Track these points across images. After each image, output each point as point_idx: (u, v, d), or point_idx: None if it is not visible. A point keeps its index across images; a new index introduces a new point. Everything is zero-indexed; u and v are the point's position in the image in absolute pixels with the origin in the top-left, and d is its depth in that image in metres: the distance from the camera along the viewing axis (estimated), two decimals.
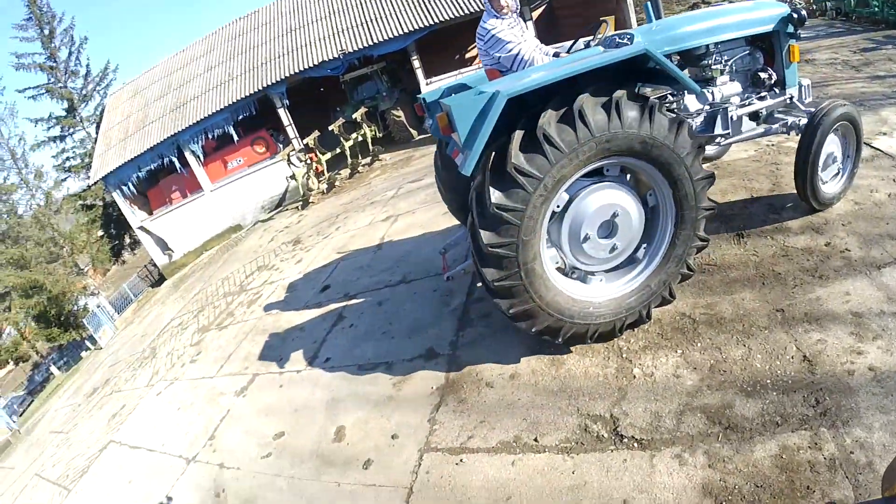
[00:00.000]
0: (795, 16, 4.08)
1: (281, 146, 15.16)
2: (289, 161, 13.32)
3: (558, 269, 3.49)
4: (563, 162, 2.94)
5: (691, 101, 4.15)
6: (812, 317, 3.28)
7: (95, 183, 15.68)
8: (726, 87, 4.24)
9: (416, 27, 13.87)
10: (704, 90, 4.13)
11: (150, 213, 15.95)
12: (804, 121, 4.14)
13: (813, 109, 4.14)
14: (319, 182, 13.65)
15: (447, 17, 13.87)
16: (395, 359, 4.54)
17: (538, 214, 3.04)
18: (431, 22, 13.92)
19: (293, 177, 13.43)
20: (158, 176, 15.52)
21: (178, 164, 14.48)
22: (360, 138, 14.32)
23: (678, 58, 4.16)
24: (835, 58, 9.19)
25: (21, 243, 20.48)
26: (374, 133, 15.00)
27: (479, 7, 14.17)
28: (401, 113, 14.90)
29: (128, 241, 22.30)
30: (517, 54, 3.65)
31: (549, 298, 3.25)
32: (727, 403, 2.91)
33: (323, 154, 13.63)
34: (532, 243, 3.09)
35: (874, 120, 5.80)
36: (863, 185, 4.48)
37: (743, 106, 4.31)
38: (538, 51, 3.86)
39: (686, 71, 4.22)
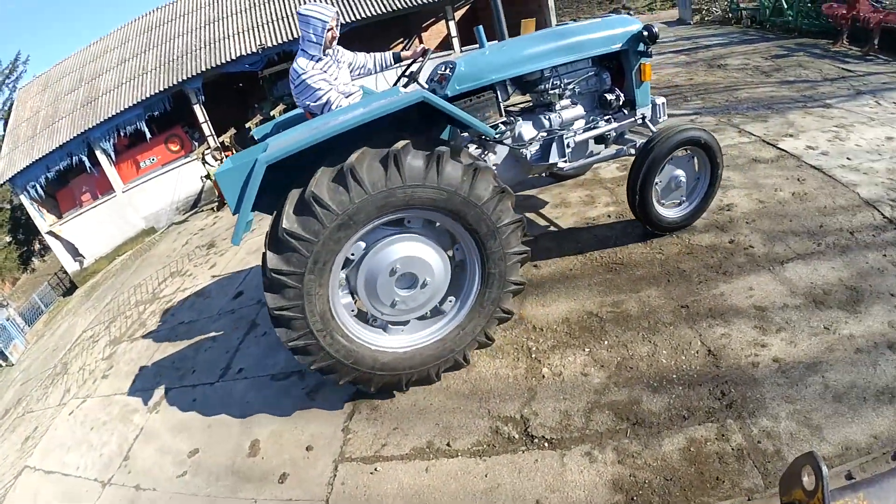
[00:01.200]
0: (646, 33, 3.92)
1: (196, 144, 14.48)
2: (203, 160, 12.71)
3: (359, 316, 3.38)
4: (337, 223, 2.76)
5: (527, 129, 4.04)
6: (716, 312, 3.41)
7: (2, 185, 14.46)
8: (567, 112, 4.11)
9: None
10: (542, 116, 4.07)
11: (60, 217, 14.87)
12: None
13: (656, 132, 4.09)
14: None
15: (367, 14, 13.74)
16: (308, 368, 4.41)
17: (320, 275, 2.87)
18: (351, 19, 13.72)
19: (208, 176, 12.77)
20: (68, 176, 14.48)
21: (88, 164, 13.53)
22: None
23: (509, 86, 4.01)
24: (746, 63, 9.66)
25: None
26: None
27: (404, 3, 14.14)
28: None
29: (37, 246, 20.77)
30: (326, 103, 3.47)
31: (346, 352, 3.13)
32: (634, 399, 2.97)
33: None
34: (318, 302, 2.93)
35: (781, 122, 6.16)
36: (767, 185, 4.73)
37: (587, 129, 4.15)
38: (345, 96, 3.62)
39: (530, 96, 4.29)
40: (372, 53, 4.03)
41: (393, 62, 4.09)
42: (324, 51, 3.51)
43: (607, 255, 4.17)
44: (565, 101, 4.13)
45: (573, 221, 4.95)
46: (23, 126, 14.88)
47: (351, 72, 3.88)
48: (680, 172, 4.07)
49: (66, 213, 14.84)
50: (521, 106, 4.55)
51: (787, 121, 6.19)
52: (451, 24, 15.62)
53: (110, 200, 14.25)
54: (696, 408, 2.82)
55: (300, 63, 3.46)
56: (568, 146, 4.06)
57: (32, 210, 14.06)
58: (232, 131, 13.22)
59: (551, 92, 4.03)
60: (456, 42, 15.57)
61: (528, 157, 4.04)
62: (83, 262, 14.69)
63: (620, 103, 4.17)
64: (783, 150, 5.39)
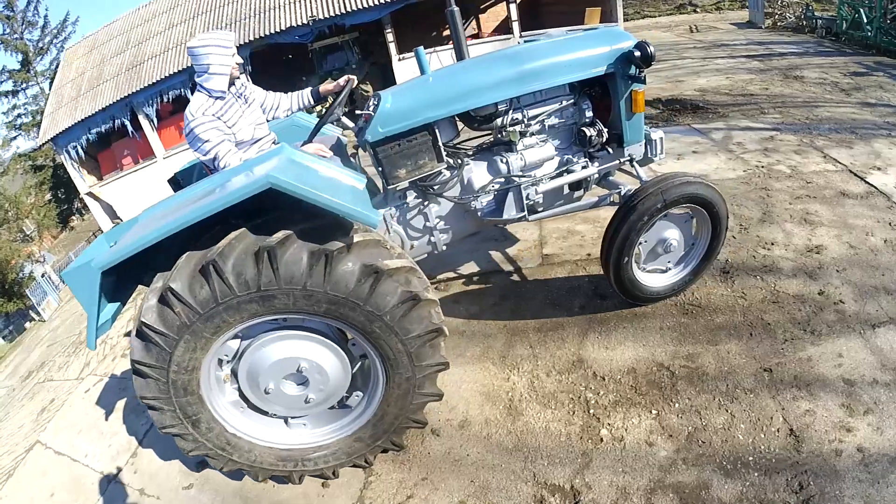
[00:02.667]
0: (638, 53, 3.06)
1: None
2: None
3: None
4: (200, 322, 2.31)
5: (477, 175, 3.33)
6: (802, 381, 2.92)
7: (45, 144, 14.57)
8: (532, 153, 3.33)
9: None
10: (499, 158, 3.33)
11: (100, 179, 14.95)
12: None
13: (646, 179, 3.29)
14: None
15: None
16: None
17: (188, 372, 2.45)
18: None
19: None
20: (111, 139, 14.51)
21: (130, 128, 13.53)
22: (323, 111, 13.42)
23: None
24: (824, 78, 8.92)
25: None
26: None
27: None
28: (369, 88, 14.16)
29: (77, 205, 21.09)
30: (214, 158, 2.84)
31: (226, 443, 2.73)
32: (704, 483, 2.52)
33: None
34: (191, 401, 2.54)
35: (867, 151, 5.51)
36: (858, 226, 4.16)
37: (557, 175, 3.42)
38: (251, 142, 3.07)
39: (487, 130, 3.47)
40: (290, 93, 3.42)
41: (312, 101, 3.43)
42: (227, 87, 2.94)
43: (684, 294, 3.68)
44: (531, 140, 3.37)
45: None
46: (67, 87, 14.95)
47: (264, 112, 3.30)
48: (673, 234, 3.33)
49: (106, 176, 14.91)
50: (477, 142, 3.64)
51: (873, 150, 5.56)
52: (513, 6, 14.91)
53: (151, 166, 14.26)
54: (770, 501, 2.39)
55: (193, 105, 2.85)
56: (528, 198, 3.33)
57: (73, 170, 14.15)
58: None
59: (510, 129, 3.24)
60: (516, 26, 14.88)
61: (478, 209, 3.37)
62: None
63: (604, 140, 3.36)
64: (872, 185, 4.80)
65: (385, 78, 14.19)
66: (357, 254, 2.35)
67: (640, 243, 3.27)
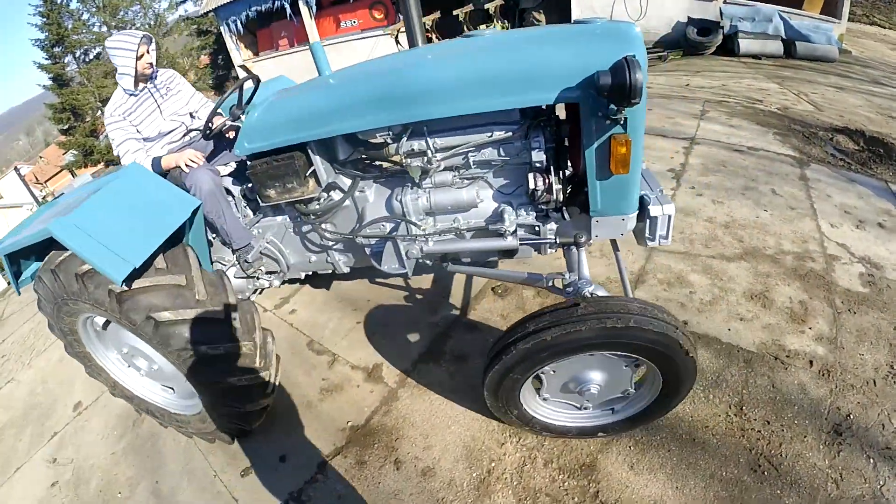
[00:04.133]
0: (609, 80, 1.76)
1: (400, 18, 13.57)
2: (397, 39, 11.79)
3: None
4: (60, 302, 2.71)
5: (372, 208, 2.72)
6: None
7: (207, 13, 15.21)
8: (441, 196, 2.51)
9: None
10: (394, 193, 2.61)
11: (256, 55, 15.49)
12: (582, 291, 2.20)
13: (587, 287, 2.19)
14: None
15: None
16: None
17: (71, 332, 3.01)
18: None
19: None
20: (271, 18, 14.78)
21: (289, 11, 13.60)
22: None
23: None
24: None
25: None
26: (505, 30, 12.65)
27: None
28: (543, 19, 12.66)
29: (233, 74, 22.33)
30: (120, 155, 3.02)
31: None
32: None
33: (440, 40, 12.00)
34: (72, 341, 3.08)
35: None
36: None
37: (462, 235, 2.61)
38: (162, 134, 3.16)
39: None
40: (206, 106, 3.40)
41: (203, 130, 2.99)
42: (136, 83, 3.01)
43: (764, 431, 2.59)
44: (443, 176, 2.50)
45: (758, 337, 3.13)
46: None
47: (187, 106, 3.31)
48: (597, 377, 2.25)
49: (262, 53, 15.38)
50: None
51: None
52: None
53: (305, 51, 14.37)
54: None
55: (109, 104, 3.04)
56: (408, 255, 2.59)
57: (230, 42, 14.72)
58: (436, 15, 11.98)
59: (406, 162, 2.45)
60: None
61: (365, 247, 2.82)
62: None
63: (555, 198, 2.31)
64: None
65: (561, 9, 12.54)
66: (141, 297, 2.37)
67: (545, 372, 2.25)
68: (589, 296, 2.11)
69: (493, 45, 2.22)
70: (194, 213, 2.68)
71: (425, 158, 2.41)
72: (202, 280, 2.51)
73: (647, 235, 2.31)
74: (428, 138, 2.36)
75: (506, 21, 12.43)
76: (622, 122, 1.89)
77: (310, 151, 2.50)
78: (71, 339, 3.06)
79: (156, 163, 2.97)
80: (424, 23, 11.98)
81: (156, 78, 3.15)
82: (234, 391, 2.61)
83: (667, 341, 1.89)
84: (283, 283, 3.38)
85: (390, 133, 2.39)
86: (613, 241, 2.56)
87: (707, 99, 7.24)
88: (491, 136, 2.31)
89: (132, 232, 2.37)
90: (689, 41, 10.41)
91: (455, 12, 11.75)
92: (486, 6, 11.80)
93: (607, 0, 11.11)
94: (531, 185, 2.27)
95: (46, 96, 20.44)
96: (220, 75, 22.04)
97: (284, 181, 2.53)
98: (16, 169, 29.98)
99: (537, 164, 2.27)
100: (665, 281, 3.54)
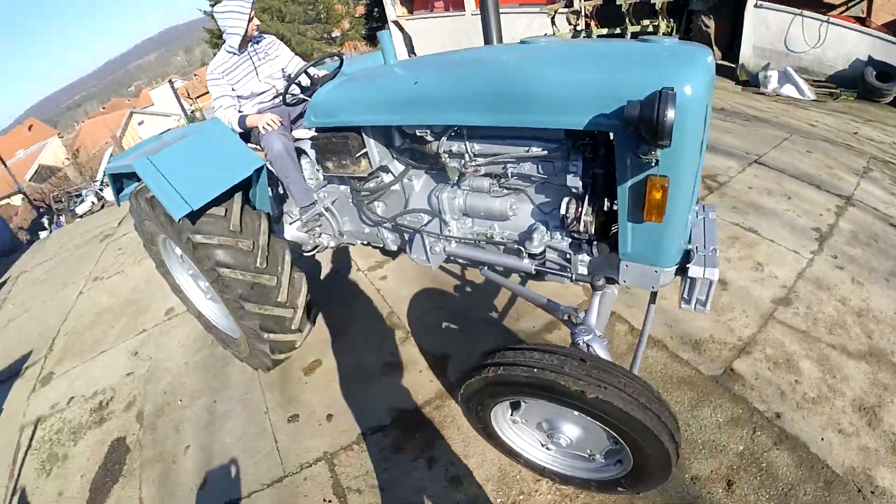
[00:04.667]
0: (637, 113, 1.49)
1: None
2: (553, 19, 11.29)
3: None
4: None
5: (416, 197, 2.80)
6: None
7: None
8: (475, 200, 2.50)
9: None
10: (434, 188, 2.69)
11: (410, 12, 15.73)
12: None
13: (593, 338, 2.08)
14: None
15: None
16: None
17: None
18: None
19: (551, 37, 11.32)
20: None
21: None
22: (649, 28, 11.04)
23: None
24: None
25: None
26: (668, 31, 11.08)
27: None
28: (712, 25, 11.43)
29: (386, 27, 22.80)
30: (215, 109, 3.34)
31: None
32: None
33: (598, 28, 11.36)
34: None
35: None
36: None
37: (484, 241, 2.57)
38: (255, 94, 3.42)
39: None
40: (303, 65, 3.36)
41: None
42: (243, 44, 3.29)
43: None
44: (480, 182, 2.44)
45: (850, 459, 2.83)
46: None
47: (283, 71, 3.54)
48: (572, 432, 2.10)
49: (416, 11, 15.59)
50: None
51: None
52: None
53: (458, 17, 14.38)
54: None
55: (213, 61, 3.34)
56: (433, 250, 2.70)
57: None
58: (598, 1, 11.36)
59: (445, 159, 2.42)
60: None
61: (391, 236, 3.14)
62: None
63: (584, 230, 2.09)
64: None
65: (733, 18, 11.29)
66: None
67: (520, 405, 2.20)
68: (581, 345, 2.07)
69: (537, 56, 2.11)
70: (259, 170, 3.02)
71: (462, 161, 2.41)
72: (240, 215, 2.89)
73: (683, 296, 2.07)
74: (466, 142, 2.33)
75: (671, 20, 11.50)
76: (654, 164, 1.67)
77: (364, 135, 2.63)
78: (156, 258, 3.59)
79: (242, 120, 3.26)
80: (585, 7, 11.47)
81: (258, 42, 3.42)
82: (257, 318, 2.93)
83: (636, 426, 1.70)
84: (340, 245, 3.62)
85: (429, 130, 2.39)
86: (600, 290, 2.30)
87: (874, 155, 6.28)
88: (528, 150, 2.17)
89: (198, 180, 2.71)
90: (867, 84, 9.04)
91: (619, 1, 11.05)
92: (654, 0, 10.98)
93: (783, 18, 9.93)
94: (562, 211, 2.11)
95: (206, 21, 22.07)
96: (373, 27, 22.63)
97: (340, 157, 2.70)
98: (170, 82, 32.67)
99: (573, 190, 2.10)
100: (772, 359, 3.13)
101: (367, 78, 2.65)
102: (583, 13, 11.57)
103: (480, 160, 2.34)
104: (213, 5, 22.82)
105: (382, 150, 2.71)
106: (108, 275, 6.31)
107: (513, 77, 1.96)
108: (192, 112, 25.97)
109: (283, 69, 3.52)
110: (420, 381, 3.26)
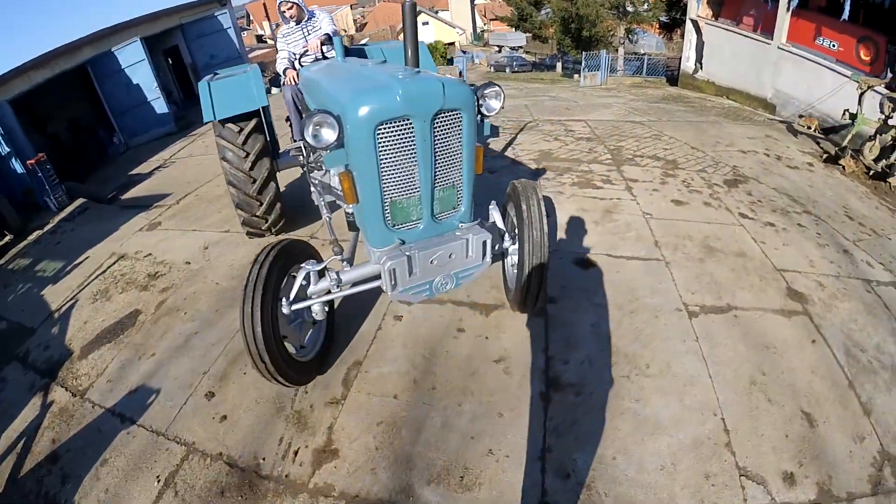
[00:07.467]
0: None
1: (888, 72, 9.43)
2: (862, 93, 7.98)
3: None
4: None
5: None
6: None
7: None
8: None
9: None
10: None
11: (715, 17, 13.92)
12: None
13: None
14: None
15: None
16: None
17: None
18: None
19: (853, 116, 8.00)
20: None
21: None
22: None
23: None
24: None
25: None
26: None
27: None
28: None
29: (684, 21, 20.31)
30: (276, 60, 4.75)
31: None
32: None
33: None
34: None
35: None
36: None
37: None
38: (301, 55, 4.61)
39: None
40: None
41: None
42: (297, 22, 4.64)
43: None
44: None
45: None
46: None
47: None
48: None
49: (721, 19, 13.80)
50: None
51: None
52: None
53: (760, 43, 12.37)
54: None
55: (280, 29, 4.76)
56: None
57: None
58: None
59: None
60: None
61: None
62: (697, 70, 14.38)
63: None
64: None
65: None
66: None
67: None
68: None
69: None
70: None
71: None
72: (248, 134, 4.34)
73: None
74: None
75: None
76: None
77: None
78: None
79: (284, 71, 4.51)
80: None
81: (310, 19, 4.70)
82: (237, 199, 4.47)
83: None
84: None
85: None
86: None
87: None
88: None
89: (224, 103, 4.27)
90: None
91: None
92: None
93: None
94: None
95: None
96: (674, 18, 20.22)
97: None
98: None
99: None
100: None
101: (319, 71, 3.86)
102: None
103: None
104: None
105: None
106: None
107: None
108: (481, 32, 26.24)
109: (326, 33, 4.64)
110: (480, 346, 3.16)
